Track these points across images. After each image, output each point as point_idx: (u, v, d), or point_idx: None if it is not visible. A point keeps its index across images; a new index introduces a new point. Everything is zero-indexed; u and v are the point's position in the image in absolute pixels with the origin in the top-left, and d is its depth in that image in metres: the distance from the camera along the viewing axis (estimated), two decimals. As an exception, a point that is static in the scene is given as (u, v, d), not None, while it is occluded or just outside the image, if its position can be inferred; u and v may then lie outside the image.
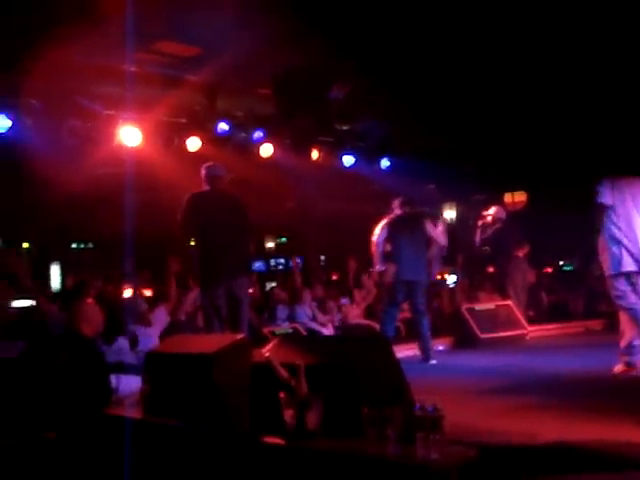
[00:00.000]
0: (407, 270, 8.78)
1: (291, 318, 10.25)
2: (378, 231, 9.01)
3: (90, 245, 18.61)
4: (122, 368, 6.83)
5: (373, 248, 9.03)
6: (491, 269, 14.28)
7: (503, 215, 11.40)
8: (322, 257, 16.97)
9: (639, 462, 3.43)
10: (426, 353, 8.65)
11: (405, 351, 8.73)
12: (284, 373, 3.91)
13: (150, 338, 8.07)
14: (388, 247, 8.94)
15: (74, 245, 18.49)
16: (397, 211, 9.16)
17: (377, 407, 3.50)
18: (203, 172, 7.76)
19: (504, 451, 3.60)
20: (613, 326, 10.96)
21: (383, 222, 9.07)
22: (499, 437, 4.01)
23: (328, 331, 10.15)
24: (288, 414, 3.87)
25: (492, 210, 11.33)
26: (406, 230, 8.99)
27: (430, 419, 3.32)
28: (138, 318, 8.80)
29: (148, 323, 8.78)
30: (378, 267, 8.95)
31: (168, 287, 9.75)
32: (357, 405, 3.60)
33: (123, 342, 7.42)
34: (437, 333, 10.77)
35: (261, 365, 4.14)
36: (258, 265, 16.90)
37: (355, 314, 11.16)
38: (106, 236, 12.82)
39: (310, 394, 3.81)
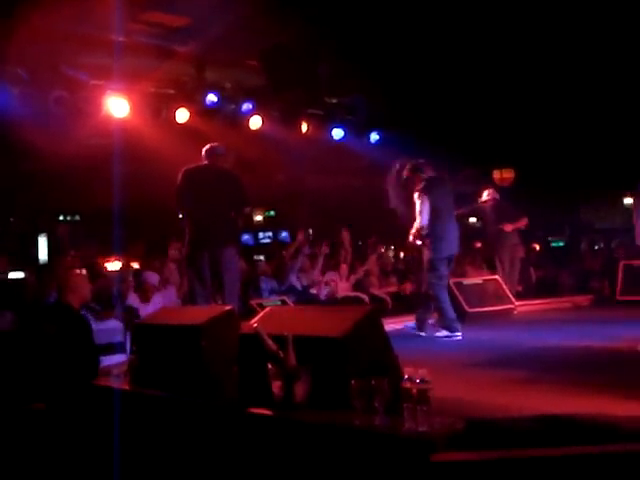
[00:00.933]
0: (452, 245, 8.37)
1: (276, 291, 10.27)
2: (418, 203, 8.20)
3: (77, 218, 18.52)
4: (112, 349, 6.83)
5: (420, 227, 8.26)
6: (479, 244, 14.33)
7: (497, 196, 11.41)
8: (310, 231, 16.94)
9: (620, 435, 3.46)
10: (424, 325, 8.52)
11: (393, 324, 8.72)
12: (272, 344, 3.91)
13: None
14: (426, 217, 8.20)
15: (61, 217, 18.39)
16: (428, 174, 8.38)
17: (365, 379, 3.51)
18: (204, 149, 7.83)
19: (490, 424, 3.62)
20: (601, 302, 11.15)
21: (418, 191, 8.23)
22: (485, 410, 4.03)
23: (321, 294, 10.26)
24: (276, 385, 3.88)
25: (485, 194, 11.35)
26: (445, 198, 8.40)
27: (417, 391, 3.33)
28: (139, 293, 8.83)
29: (146, 299, 8.75)
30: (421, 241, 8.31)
31: (168, 273, 9.77)
32: (345, 377, 3.61)
33: (114, 323, 7.38)
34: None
35: (249, 336, 4.13)
36: (246, 238, 16.87)
37: (344, 287, 11.18)
38: (94, 208, 12.77)
39: (298, 366, 3.81)
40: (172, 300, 9.25)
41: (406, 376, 3.39)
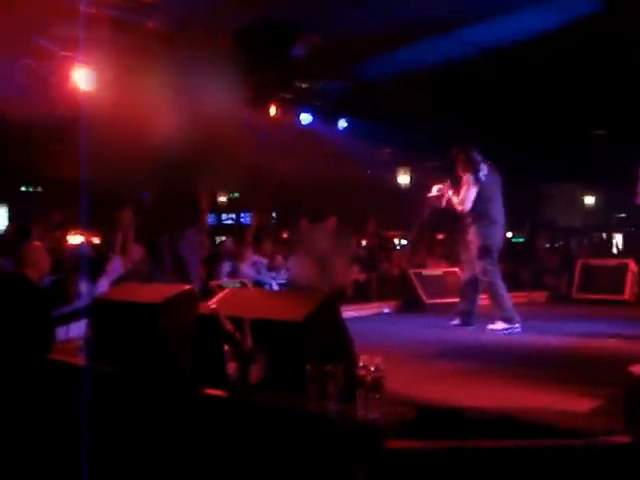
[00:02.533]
0: (503, 231, 8.16)
1: (235, 273, 10.24)
2: (465, 188, 7.93)
3: (39, 189, 18.32)
4: (75, 316, 6.76)
5: (459, 208, 8.03)
6: (440, 236, 14.43)
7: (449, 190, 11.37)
8: (273, 214, 16.95)
9: (568, 430, 3.52)
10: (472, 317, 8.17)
11: (351, 312, 8.76)
12: (229, 326, 3.91)
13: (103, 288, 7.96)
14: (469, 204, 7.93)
15: (23, 188, 18.19)
16: (478, 160, 8.02)
17: (320, 364, 3.53)
18: None
19: (441, 413, 3.66)
20: (557, 298, 11.32)
21: (470, 177, 7.91)
22: (437, 400, 4.07)
23: (275, 288, 10.17)
24: (231, 367, 3.89)
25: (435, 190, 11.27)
26: (495, 183, 8.11)
27: (371, 379, 3.36)
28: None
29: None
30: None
31: (115, 240, 9.60)
32: (300, 361, 3.63)
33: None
34: (383, 296, 10.91)
35: (207, 316, 4.13)
36: (210, 219, 16.79)
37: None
38: (57, 180, 12.61)
39: (254, 348, 3.83)
40: (118, 270, 9.04)
41: (361, 364, 3.42)
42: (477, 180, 7.87)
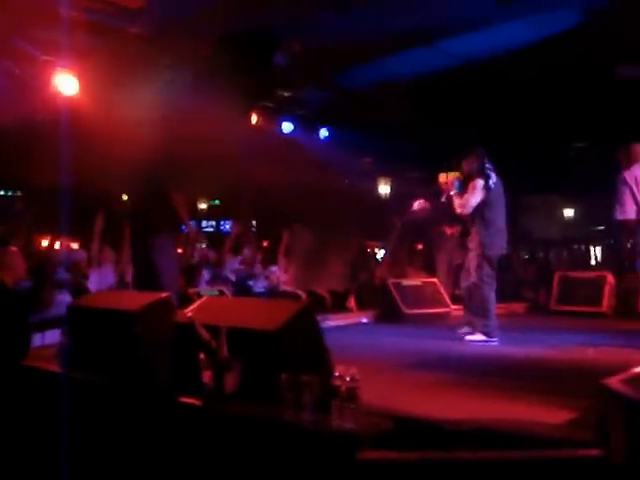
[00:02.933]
0: (504, 243, 7.96)
1: (214, 281, 10.22)
2: (471, 192, 7.84)
3: (19, 193, 18.20)
4: (53, 323, 6.71)
5: (459, 210, 7.99)
6: (420, 246, 14.47)
7: (427, 205, 11.33)
8: (254, 222, 16.94)
9: (544, 441, 3.53)
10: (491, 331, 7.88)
11: (330, 321, 8.76)
12: (205, 334, 3.90)
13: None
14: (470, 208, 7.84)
15: (1, 192, 18.07)
16: (490, 167, 7.97)
17: (295, 374, 3.52)
18: None
19: (417, 424, 3.66)
20: (536, 310, 11.37)
21: (479, 183, 7.81)
22: (414, 411, 4.07)
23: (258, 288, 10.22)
24: (207, 375, 3.88)
25: (416, 205, 11.27)
26: (501, 193, 7.98)
27: (346, 389, 3.36)
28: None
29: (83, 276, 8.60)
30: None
31: (92, 246, 9.55)
32: (276, 371, 3.62)
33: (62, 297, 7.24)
34: (363, 306, 10.91)
35: (183, 325, 4.12)
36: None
37: (285, 281, 11.17)
38: (37, 185, 12.52)
39: (230, 357, 3.81)
40: (109, 280, 9.05)
41: (336, 374, 3.41)
42: (487, 188, 7.78)
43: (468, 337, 7.80)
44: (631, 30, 9.22)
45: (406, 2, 9.28)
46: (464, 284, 8.17)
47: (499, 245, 7.88)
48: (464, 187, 8.00)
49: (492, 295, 7.83)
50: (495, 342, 7.65)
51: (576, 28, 9.77)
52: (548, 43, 10.11)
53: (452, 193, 8.11)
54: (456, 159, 8.34)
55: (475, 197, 7.79)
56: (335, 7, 9.19)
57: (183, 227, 8.63)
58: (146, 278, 7.33)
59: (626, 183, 9.96)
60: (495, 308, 7.87)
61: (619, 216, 10.02)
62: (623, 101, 11.59)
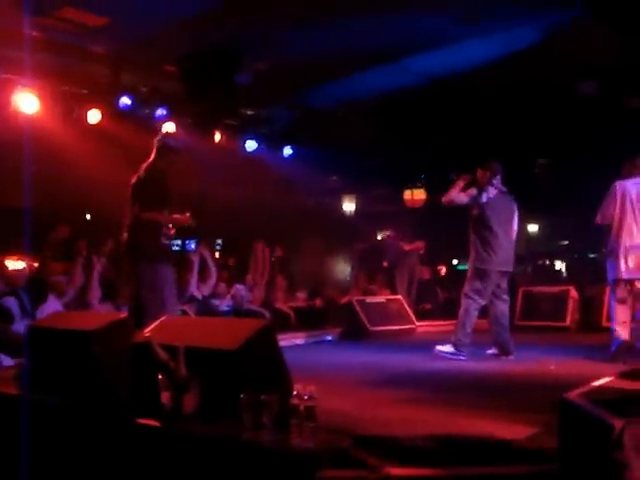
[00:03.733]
0: (502, 259, 7.89)
1: (179, 300, 10.11)
2: (460, 197, 7.97)
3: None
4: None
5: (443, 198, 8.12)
6: (385, 263, 14.50)
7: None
8: (219, 241, 16.85)
9: (504, 456, 3.53)
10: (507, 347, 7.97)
11: (294, 339, 8.74)
12: (163, 354, 3.86)
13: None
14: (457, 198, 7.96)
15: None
16: (489, 183, 8.01)
17: (255, 394, 3.49)
18: None
19: (377, 441, 3.64)
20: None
21: (473, 191, 7.92)
22: (373, 428, 4.06)
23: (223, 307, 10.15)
24: (165, 396, 3.83)
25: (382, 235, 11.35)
26: (503, 210, 8.00)
27: (305, 408, 3.33)
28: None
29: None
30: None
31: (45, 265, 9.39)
32: (235, 390, 3.59)
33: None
34: (328, 323, 10.91)
35: (141, 345, 4.07)
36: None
37: (249, 300, 11.11)
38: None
39: (188, 377, 3.77)
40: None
41: (295, 392, 3.39)
42: (478, 201, 7.86)
43: (438, 347, 7.85)
44: (591, 47, 9.37)
45: (370, 21, 9.33)
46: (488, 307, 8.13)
47: (497, 261, 7.85)
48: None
49: (472, 311, 7.88)
50: (462, 358, 7.68)
51: (538, 46, 9.88)
52: (511, 60, 10.23)
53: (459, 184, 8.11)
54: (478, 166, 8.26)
55: (459, 197, 7.97)
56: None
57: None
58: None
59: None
60: (471, 325, 7.90)
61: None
62: (585, 118, 11.74)
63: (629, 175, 7.66)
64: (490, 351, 8.03)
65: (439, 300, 13.59)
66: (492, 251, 7.80)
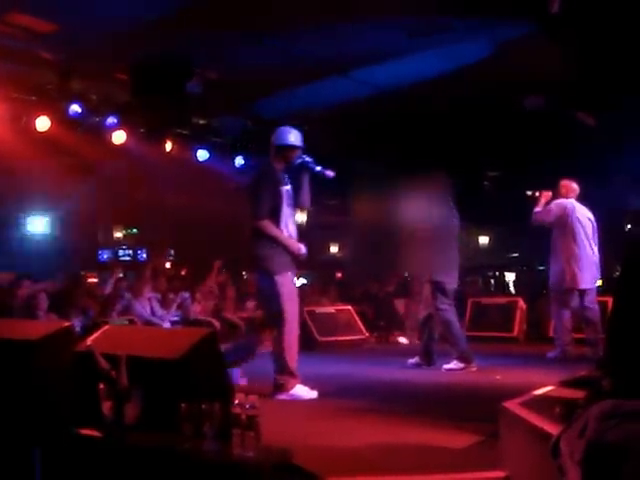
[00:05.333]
0: (457, 274, 8.14)
1: (128, 310, 10.03)
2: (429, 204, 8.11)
3: None
4: None
5: None
6: (339, 274, 14.54)
7: None
8: (172, 251, 16.77)
9: (448, 465, 3.56)
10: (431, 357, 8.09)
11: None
12: (104, 363, 3.81)
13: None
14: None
15: None
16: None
17: (195, 403, 3.46)
18: None
19: (319, 451, 3.65)
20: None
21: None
22: (317, 438, 4.06)
23: (167, 325, 10.00)
24: (106, 406, 3.78)
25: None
26: (455, 228, 8.21)
27: (247, 417, 3.31)
28: None
29: None
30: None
31: None
32: (176, 400, 3.55)
33: None
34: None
35: (83, 354, 4.02)
36: (106, 255, 16.52)
37: (197, 310, 11.04)
38: None
39: (130, 386, 3.73)
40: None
41: (236, 401, 3.37)
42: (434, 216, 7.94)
43: (445, 366, 7.76)
44: (537, 62, 9.51)
45: (321, 33, 9.37)
46: (421, 314, 8.22)
47: (453, 276, 7.95)
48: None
49: (455, 320, 7.99)
50: (474, 367, 7.67)
51: (487, 60, 10.00)
52: (460, 74, 10.33)
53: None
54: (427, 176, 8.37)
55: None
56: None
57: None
58: None
59: None
60: (461, 333, 8.10)
61: None
62: (532, 132, 11.91)
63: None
64: (413, 360, 8.12)
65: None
66: (449, 267, 7.92)
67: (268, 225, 6.09)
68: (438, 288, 7.82)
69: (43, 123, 10.94)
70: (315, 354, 9.16)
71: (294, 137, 6.38)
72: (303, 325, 10.01)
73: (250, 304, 12.15)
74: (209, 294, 11.59)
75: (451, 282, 7.90)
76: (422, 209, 8.03)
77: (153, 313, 10.22)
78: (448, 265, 7.93)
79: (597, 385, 2.52)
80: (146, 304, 10.25)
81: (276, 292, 6.05)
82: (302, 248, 6.28)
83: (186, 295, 10.89)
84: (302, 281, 15.71)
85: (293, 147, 6.37)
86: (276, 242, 6.12)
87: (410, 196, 8.20)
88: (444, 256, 7.91)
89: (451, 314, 7.87)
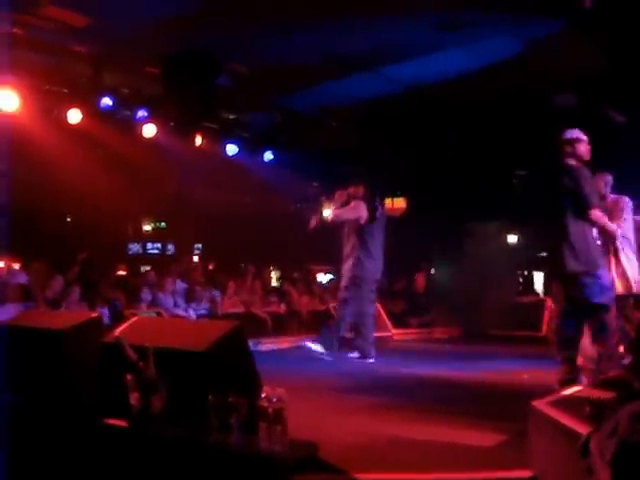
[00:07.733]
0: (379, 267, 8.56)
1: (154, 303, 10.09)
2: (349, 215, 8.50)
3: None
4: None
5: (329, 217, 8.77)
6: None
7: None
8: (199, 245, 16.80)
9: (477, 463, 3.54)
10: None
11: (270, 344, 8.71)
12: (132, 354, 3.83)
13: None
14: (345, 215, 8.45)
15: None
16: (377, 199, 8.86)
17: (223, 395, 3.47)
18: None
19: (345, 446, 3.64)
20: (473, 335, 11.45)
21: (362, 207, 8.43)
22: (343, 433, 4.05)
23: (193, 317, 10.07)
24: (134, 396, 3.80)
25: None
26: (381, 224, 8.65)
27: (273, 410, 3.31)
28: None
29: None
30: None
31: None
32: (203, 392, 3.56)
33: None
34: (304, 330, 10.86)
35: (110, 345, 4.04)
36: (135, 248, 16.58)
37: (227, 305, 11.07)
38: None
39: (157, 378, 3.74)
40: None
41: (263, 395, 3.36)
42: (373, 218, 8.36)
43: (349, 354, 8.28)
44: (571, 60, 9.42)
45: (349, 28, 9.34)
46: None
47: (374, 269, 8.37)
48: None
49: (370, 312, 8.53)
50: (372, 361, 8.09)
51: (517, 57, 9.93)
52: (491, 71, 10.26)
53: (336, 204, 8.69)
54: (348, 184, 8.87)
55: (348, 215, 8.42)
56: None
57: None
58: None
59: None
60: (372, 327, 8.52)
61: None
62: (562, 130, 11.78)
63: None
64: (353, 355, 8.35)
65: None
66: (371, 261, 8.35)
67: None
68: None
69: (75, 115, 11.00)
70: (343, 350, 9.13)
71: None
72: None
73: (274, 298, 12.14)
74: (240, 291, 11.66)
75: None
76: None
77: (176, 305, 10.27)
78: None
79: (628, 386, 2.50)
80: (170, 297, 10.30)
81: None
82: None
83: (216, 293, 10.94)
84: (329, 277, 15.70)
85: None
86: None
87: None
88: None
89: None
